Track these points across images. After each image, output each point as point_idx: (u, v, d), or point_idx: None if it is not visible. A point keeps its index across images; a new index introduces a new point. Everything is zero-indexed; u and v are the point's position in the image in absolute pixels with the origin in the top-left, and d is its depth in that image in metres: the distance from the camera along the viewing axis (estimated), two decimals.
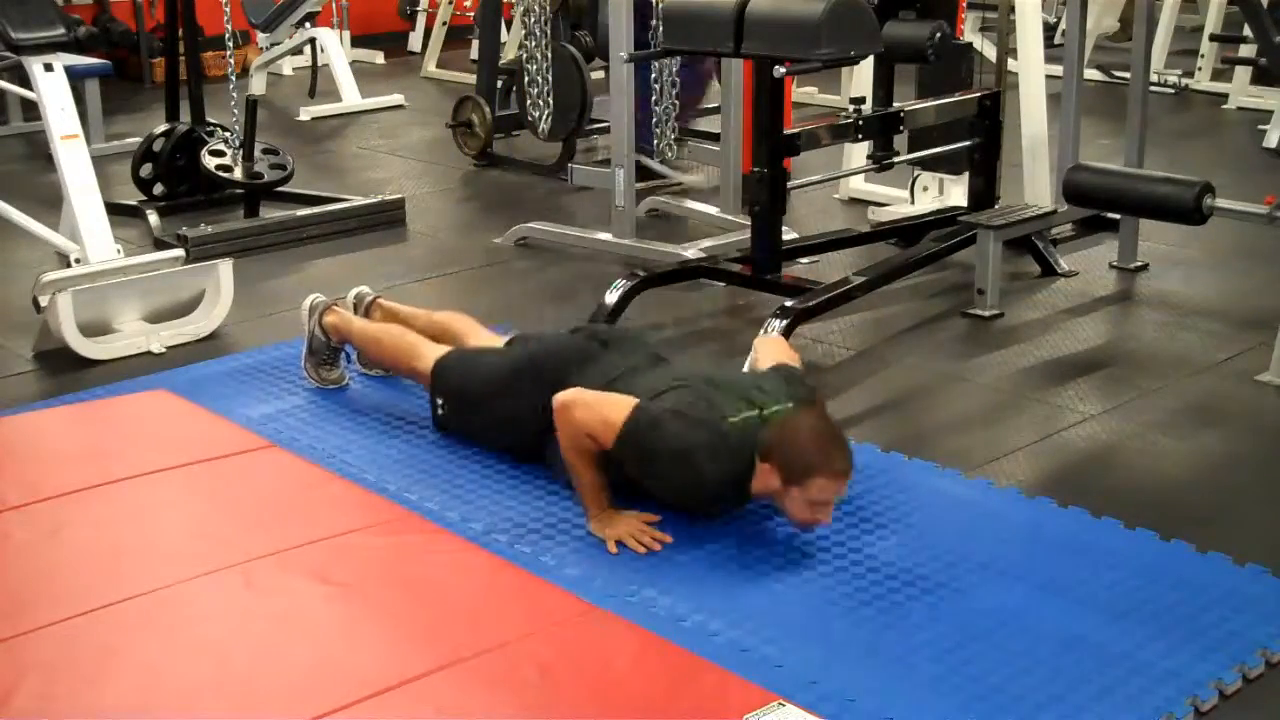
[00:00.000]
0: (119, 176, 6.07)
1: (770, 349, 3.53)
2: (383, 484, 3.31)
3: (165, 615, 2.65)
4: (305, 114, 7.98)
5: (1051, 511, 3.19)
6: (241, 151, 5.65)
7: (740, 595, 2.83)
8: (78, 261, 4.37)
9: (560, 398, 3.07)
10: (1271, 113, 7.05)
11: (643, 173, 5.78)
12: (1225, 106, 7.89)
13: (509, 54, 7.71)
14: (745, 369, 3.66)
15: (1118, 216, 5.04)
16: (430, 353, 3.61)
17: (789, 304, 4.09)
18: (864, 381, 4.06)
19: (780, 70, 4.06)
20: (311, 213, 5.60)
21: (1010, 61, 5.30)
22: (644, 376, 3.24)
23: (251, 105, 5.65)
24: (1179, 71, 8.24)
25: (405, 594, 2.77)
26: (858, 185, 5.94)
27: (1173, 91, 8.11)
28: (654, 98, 6.30)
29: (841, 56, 4.20)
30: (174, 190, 5.89)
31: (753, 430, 2.98)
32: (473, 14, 8.47)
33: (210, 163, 5.65)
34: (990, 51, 6.33)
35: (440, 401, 3.55)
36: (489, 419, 3.44)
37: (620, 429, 2.97)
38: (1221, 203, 4.21)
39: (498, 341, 3.69)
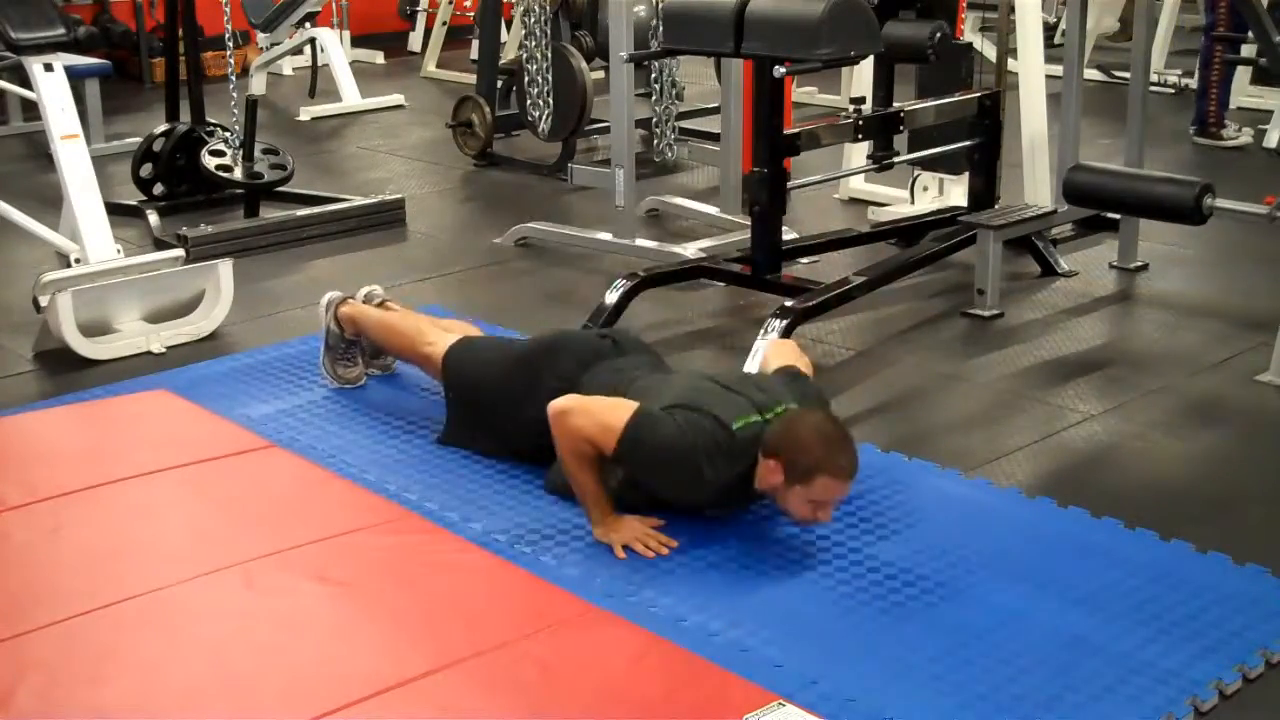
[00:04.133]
0: (119, 176, 6.07)
1: (779, 352, 3.50)
2: (383, 484, 3.31)
3: (165, 615, 2.65)
4: (305, 114, 7.98)
5: (1051, 511, 3.18)
6: (241, 151, 5.65)
7: (740, 595, 2.83)
8: (78, 261, 4.37)
9: (556, 405, 3.05)
10: (1271, 113, 7.05)
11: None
12: None
13: (509, 54, 7.72)
14: (752, 369, 3.66)
15: (1118, 216, 5.04)
16: (442, 339, 3.60)
17: (789, 304, 4.09)
18: (864, 381, 4.06)
19: (780, 70, 4.06)
20: (311, 213, 5.60)
21: (1010, 61, 5.30)
22: (650, 380, 3.24)
23: (251, 105, 5.65)
24: (1179, 71, 8.23)
25: (405, 594, 2.76)
26: (858, 185, 5.94)
27: (1173, 91, 8.11)
28: (654, 98, 6.33)
29: (841, 56, 4.20)
30: (174, 190, 5.90)
31: (756, 431, 2.98)
32: (473, 14, 8.47)
33: (210, 163, 5.65)
34: (990, 51, 6.33)
35: (450, 393, 3.55)
36: (496, 408, 3.41)
37: (622, 434, 2.96)
38: (1221, 203, 4.21)
39: None
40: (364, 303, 3.96)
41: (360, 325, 3.84)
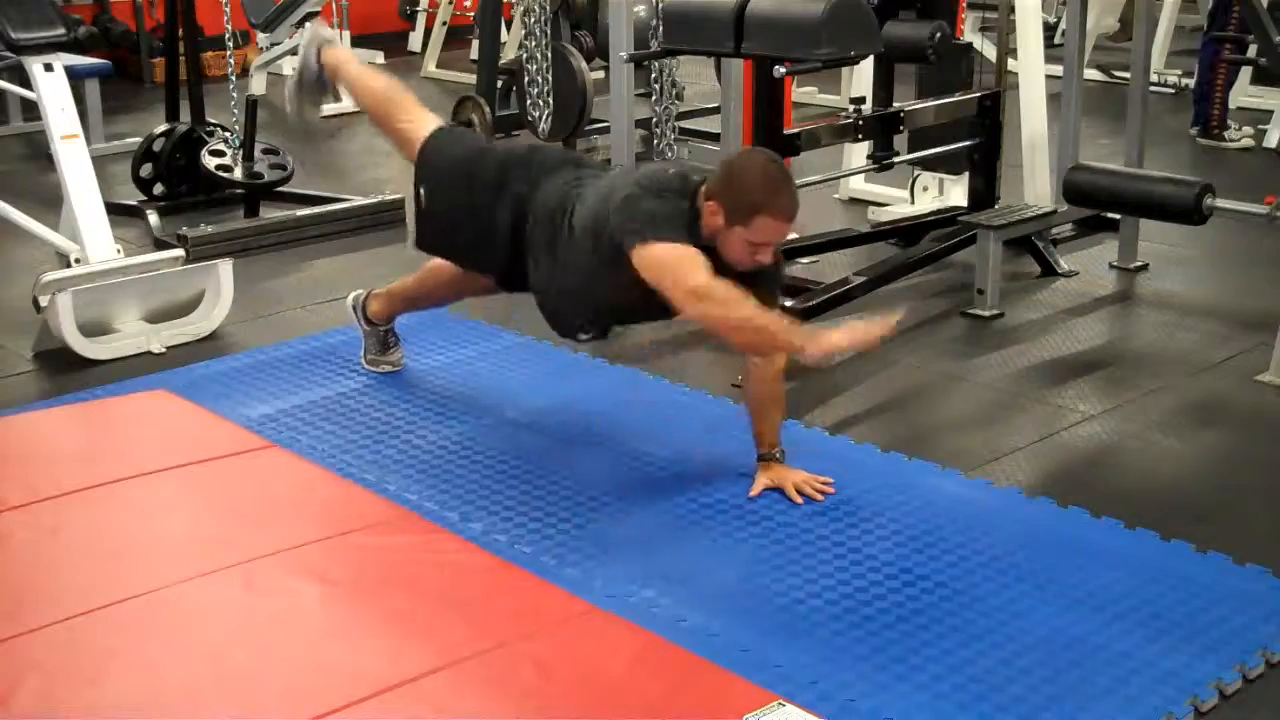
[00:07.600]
0: (119, 176, 6.07)
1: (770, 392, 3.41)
2: (383, 484, 3.31)
3: (165, 615, 2.65)
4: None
5: (1051, 511, 3.19)
6: (241, 151, 5.65)
7: (741, 596, 2.83)
8: (78, 261, 4.37)
9: (686, 305, 2.97)
10: (1271, 113, 7.05)
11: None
12: None
13: (509, 54, 7.71)
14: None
15: (1118, 216, 5.04)
16: (423, 122, 3.67)
17: (789, 304, 4.09)
18: (864, 381, 4.06)
19: (780, 70, 4.06)
20: (311, 213, 5.60)
21: (1010, 61, 5.30)
22: (592, 190, 3.25)
23: (251, 105, 5.65)
24: (1179, 71, 8.24)
25: (405, 594, 2.76)
26: (858, 185, 5.94)
27: (1173, 91, 8.11)
28: (654, 98, 6.32)
29: (841, 56, 4.20)
30: (174, 190, 5.89)
31: (695, 183, 3.06)
32: (473, 14, 8.46)
33: (210, 163, 5.65)
34: (990, 51, 6.33)
35: (421, 184, 3.57)
36: (463, 205, 3.44)
37: (650, 261, 2.97)
38: (1221, 203, 4.21)
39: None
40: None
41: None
